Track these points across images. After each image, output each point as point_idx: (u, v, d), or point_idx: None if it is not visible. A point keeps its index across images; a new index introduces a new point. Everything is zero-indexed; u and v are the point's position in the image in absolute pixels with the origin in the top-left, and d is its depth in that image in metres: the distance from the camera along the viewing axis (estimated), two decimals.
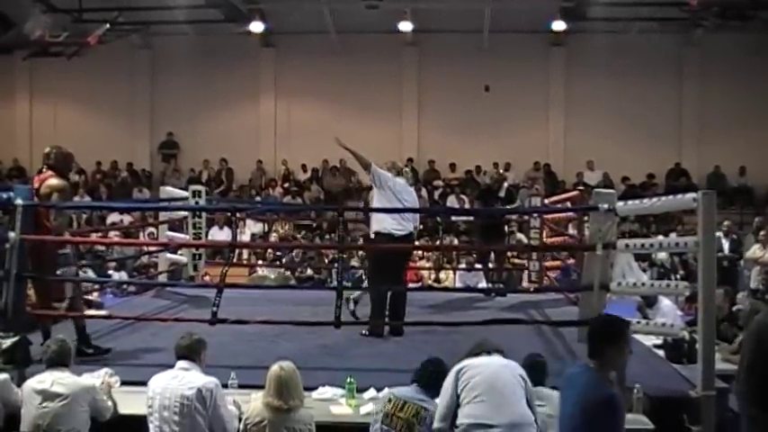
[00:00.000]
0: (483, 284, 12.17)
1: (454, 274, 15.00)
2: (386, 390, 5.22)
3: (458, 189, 20.37)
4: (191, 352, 5.14)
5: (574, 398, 4.13)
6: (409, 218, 8.22)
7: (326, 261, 16.28)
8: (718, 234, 13.81)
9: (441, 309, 9.46)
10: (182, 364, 5.11)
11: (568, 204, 11.68)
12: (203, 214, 11.10)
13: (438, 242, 17.68)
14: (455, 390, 4.76)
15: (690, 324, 8.60)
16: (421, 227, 9.05)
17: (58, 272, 6.95)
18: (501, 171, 18.71)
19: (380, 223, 8.13)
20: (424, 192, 20.01)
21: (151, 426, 5.00)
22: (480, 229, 12.00)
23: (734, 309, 8.92)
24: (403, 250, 8.45)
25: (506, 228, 12.73)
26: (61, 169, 7.13)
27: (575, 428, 4.10)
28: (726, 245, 14.24)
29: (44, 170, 7.11)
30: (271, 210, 17.36)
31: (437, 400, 5.08)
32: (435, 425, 4.80)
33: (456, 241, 18.12)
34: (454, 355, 6.95)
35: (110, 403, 5.43)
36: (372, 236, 8.41)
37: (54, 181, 6.95)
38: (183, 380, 5.00)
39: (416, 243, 10.10)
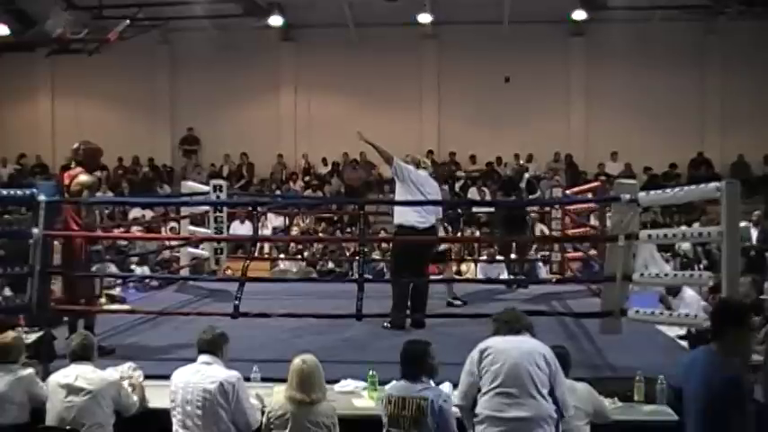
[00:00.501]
0: (505, 276, 12.14)
1: (475, 265, 14.97)
2: (385, 388, 5.19)
3: (479, 181, 20.31)
4: (213, 346, 5.15)
5: (697, 383, 4.02)
6: (432, 210, 8.22)
7: (348, 254, 16.29)
8: (747, 224, 13.71)
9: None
10: (204, 358, 5.12)
11: (590, 195, 11.61)
12: (224, 208, 11.14)
13: (459, 234, 17.64)
14: (478, 370, 4.69)
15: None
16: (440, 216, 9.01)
17: (93, 268, 7.01)
18: (522, 162, 18.68)
19: (403, 216, 8.14)
20: (444, 184, 19.99)
21: (174, 420, 5.02)
22: (503, 220, 11.96)
23: (761, 297, 8.82)
24: (425, 243, 8.44)
25: (528, 219, 12.67)
26: (89, 165, 7.17)
27: (701, 414, 3.99)
28: (754, 234, 14.12)
29: (73, 166, 7.15)
30: (292, 204, 17.38)
31: (444, 386, 5.07)
32: (458, 402, 4.78)
33: (477, 233, 18.08)
34: (475, 346, 6.97)
35: (135, 398, 5.46)
36: (395, 229, 8.41)
37: (84, 177, 7.00)
38: (205, 374, 5.02)
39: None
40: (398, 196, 8.32)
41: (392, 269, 9.02)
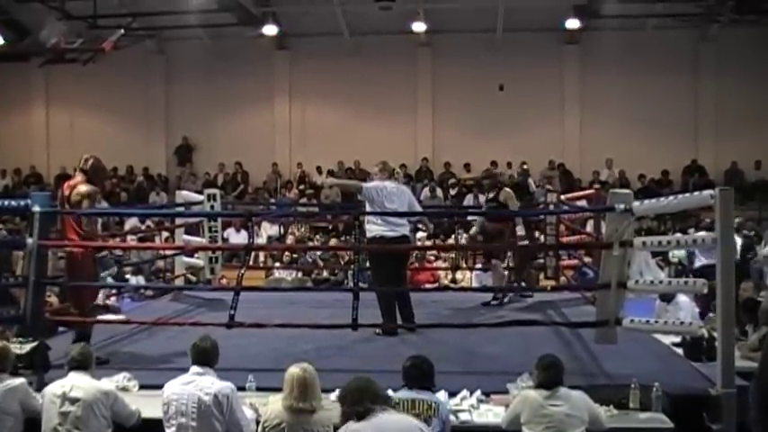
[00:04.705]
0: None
1: (471, 273, 14.94)
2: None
3: (475, 189, 20.29)
4: (205, 356, 5.12)
5: None
6: (401, 221, 8.26)
7: (343, 262, 16.27)
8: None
9: (459, 310, 9.44)
10: (196, 368, 5.08)
11: (584, 201, 11.63)
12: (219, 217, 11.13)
13: (454, 242, 17.60)
14: None
15: (701, 315, 8.58)
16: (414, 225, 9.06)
17: (103, 274, 7.01)
18: (525, 166, 18.71)
19: (371, 229, 8.22)
20: (439, 191, 20.02)
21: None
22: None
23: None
24: (400, 252, 8.51)
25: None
26: (92, 178, 7.13)
27: None
28: (738, 242, 14.04)
29: (75, 174, 7.14)
30: (286, 215, 17.34)
31: (439, 394, 5.17)
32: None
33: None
34: (471, 355, 6.97)
35: (133, 408, 5.40)
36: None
37: (83, 188, 6.95)
38: (198, 385, 4.99)
39: (429, 243, 9.99)
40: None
41: (372, 280, 9.19)
